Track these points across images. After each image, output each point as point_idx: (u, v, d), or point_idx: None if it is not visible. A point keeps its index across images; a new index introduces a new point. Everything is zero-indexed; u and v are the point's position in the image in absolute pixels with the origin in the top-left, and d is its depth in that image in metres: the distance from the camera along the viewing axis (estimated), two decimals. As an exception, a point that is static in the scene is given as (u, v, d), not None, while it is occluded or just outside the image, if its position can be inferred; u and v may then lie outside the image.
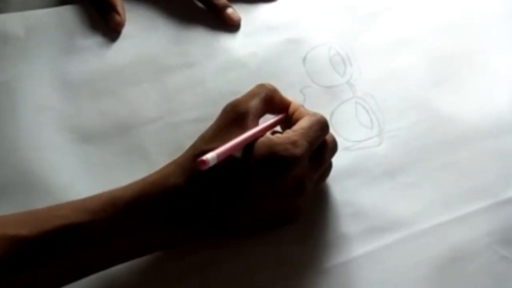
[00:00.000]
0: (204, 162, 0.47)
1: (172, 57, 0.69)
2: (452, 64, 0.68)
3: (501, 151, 0.62)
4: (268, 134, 0.55)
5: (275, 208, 0.54)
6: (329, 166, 0.58)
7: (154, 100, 0.66)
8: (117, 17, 0.71)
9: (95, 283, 0.54)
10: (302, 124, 0.54)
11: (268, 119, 0.57)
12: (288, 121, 0.57)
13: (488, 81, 0.67)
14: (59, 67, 0.68)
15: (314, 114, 0.56)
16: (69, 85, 0.67)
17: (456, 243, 0.57)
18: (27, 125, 0.64)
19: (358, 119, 0.65)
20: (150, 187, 0.52)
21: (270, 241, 0.56)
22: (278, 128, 0.58)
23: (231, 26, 0.71)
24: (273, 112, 0.58)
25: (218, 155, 0.49)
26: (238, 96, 0.56)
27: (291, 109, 0.58)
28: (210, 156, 0.48)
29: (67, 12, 0.72)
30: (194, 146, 0.54)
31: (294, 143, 0.52)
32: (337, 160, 0.58)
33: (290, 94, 0.58)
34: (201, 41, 0.70)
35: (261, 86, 0.57)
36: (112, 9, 0.71)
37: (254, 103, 0.55)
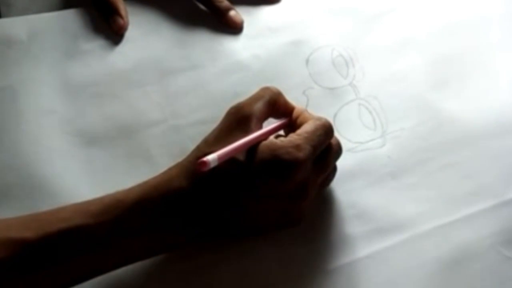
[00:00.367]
0: (204, 163, 0.47)
1: (175, 60, 0.69)
2: (455, 65, 0.68)
3: (504, 151, 0.62)
4: (271, 137, 0.55)
5: (277, 212, 0.54)
6: (333, 170, 0.58)
7: (157, 103, 0.66)
8: (120, 21, 0.71)
9: (98, 285, 0.54)
10: (306, 128, 0.54)
11: (271, 123, 0.57)
12: (292, 125, 0.57)
13: (490, 82, 0.67)
14: (63, 71, 0.68)
15: (319, 118, 0.55)
16: (72, 89, 0.67)
17: (459, 244, 0.57)
18: (30, 129, 0.64)
19: (361, 121, 0.65)
20: (154, 190, 0.52)
21: (274, 243, 0.56)
22: (282, 132, 0.58)
23: (234, 28, 0.71)
24: (277, 116, 0.58)
25: (219, 157, 0.48)
26: (241, 98, 0.56)
27: (295, 113, 0.58)
28: (210, 157, 0.48)
29: (70, 16, 0.73)
30: (197, 148, 0.54)
31: (297, 146, 0.52)
32: (341, 162, 0.58)
33: (293, 96, 0.58)
34: (204, 44, 0.71)
35: (265, 89, 0.57)
36: (115, 12, 0.71)
37: (258, 106, 0.55)
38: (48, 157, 0.62)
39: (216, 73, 0.68)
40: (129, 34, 0.71)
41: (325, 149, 0.55)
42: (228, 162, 0.50)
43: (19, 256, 0.49)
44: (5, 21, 0.72)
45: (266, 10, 0.73)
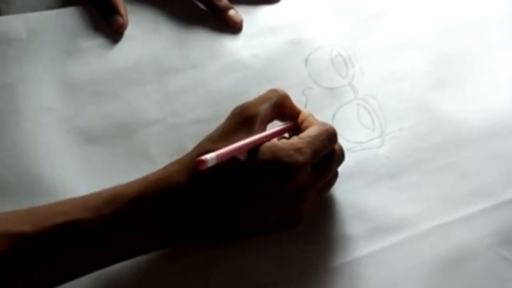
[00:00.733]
0: (202, 161, 0.47)
1: (174, 59, 0.69)
2: (454, 66, 0.68)
3: (502, 152, 0.62)
4: (275, 139, 0.55)
5: (274, 213, 0.54)
6: (334, 176, 0.58)
7: (156, 102, 0.66)
8: (120, 19, 0.71)
9: (96, 281, 0.54)
10: (309, 132, 0.54)
11: (276, 125, 0.57)
12: (296, 129, 0.57)
13: (489, 83, 0.67)
14: (62, 69, 0.68)
15: (324, 124, 0.55)
16: (71, 87, 0.67)
17: (458, 244, 0.57)
18: (29, 127, 0.64)
19: (360, 121, 0.65)
20: (153, 185, 0.52)
21: (273, 242, 0.56)
22: (286, 135, 0.58)
23: (233, 27, 0.72)
24: (283, 118, 0.58)
25: (218, 156, 0.49)
26: (240, 97, 0.56)
27: (300, 117, 0.57)
28: (209, 156, 0.48)
29: (69, 14, 0.72)
30: (199, 145, 0.54)
31: (298, 150, 0.52)
32: (339, 161, 0.58)
33: (292, 95, 0.58)
34: (203, 43, 0.71)
35: (273, 91, 0.57)
36: (115, 10, 0.71)
37: (264, 107, 0.55)
38: (47, 155, 0.62)
39: (215, 72, 0.68)
40: (128, 32, 0.71)
41: (327, 154, 0.55)
42: (229, 161, 0.50)
43: (16, 250, 0.49)
44: (4, 18, 0.72)
45: (265, 10, 0.73)
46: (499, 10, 0.72)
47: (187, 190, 0.51)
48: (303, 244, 0.57)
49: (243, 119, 0.54)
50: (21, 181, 0.61)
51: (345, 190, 0.59)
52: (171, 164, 0.54)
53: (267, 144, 0.53)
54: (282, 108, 0.57)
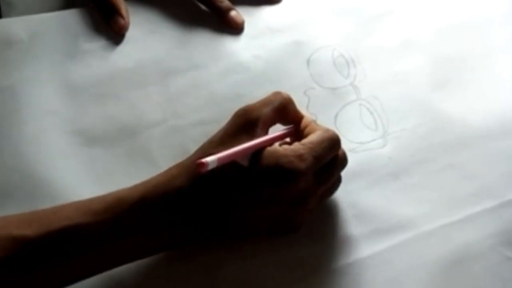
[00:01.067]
0: (203, 164, 0.47)
1: (176, 60, 0.69)
2: (456, 66, 0.68)
3: (504, 152, 0.62)
4: (276, 144, 0.55)
5: (274, 218, 0.54)
6: (337, 181, 0.57)
7: (158, 103, 0.66)
8: (121, 21, 0.71)
9: (98, 284, 0.54)
10: (312, 138, 0.54)
11: (278, 129, 0.57)
12: (299, 134, 0.57)
13: (491, 83, 0.67)
14: (63, 71, 0.68)
15: (327, 130, 0.55)
16: (73, 89, 0.67)
17: (460, 244, 0.57)
18: (31, 129, 0.64)
19: (362, 121, 0.65)
20: (155, 189, 0.52)
21: (275, 244, 0.56)
22: (288, 140, 0.58)
23: (235, 28, 0.71)
24: (285, 123, 0.58)
25: (219, 160, 0.48)
26: (242, 98, 0.56)
27: (303, 123, 0.57)
28: (210, 159, 0.48)
29: (71, 16, 0.72)
30: (201, 148, 0.54)
31: (300, 156, 0.52)
32: (342, 162, 0.58)
33: (294, 96, 0.58)
34: (204, 44, 0.71)
35: (276, 94, 0.57)
36: (116, 12, 0.71)
37: (266, 111, 0.55)
38: (49, 157, 0.62)
39: (217, 74, 0.68)
40: (130, 34, 0.71)
41: (330, 160, 0.54)
42: (229, 165, 0.50)
43: (19, 253, 0.49)
44: (6, 21, 0.72)
45: (267, 10, 0.73)
46: (501, 11, 0.72)
47: (188, 194, 0.51)
48: (305, 245, 0.57)
49: (245, 122, 0.54)
50: (23, 183, 0.61)
51: (348, 190, 0.59)
52: (172, 168, 0.54)
53: (269, 149, 0.53)
54: (285, 112, 0.57)
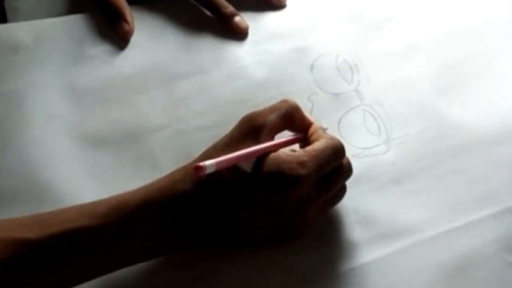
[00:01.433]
0: (200, 168, 0.47)
1: (180, 65, 0.69)
2: (459, 71, 0.68)
3: (508, 157, 0.62)
4: (281, 150, 0.54)
5: (275, 224, 0.54)
6: (342, 189, 0.57)
7: (162, 108, 0.66)
8: (126, 26, 0.71)
9: (99, 287, 0.54)
10: (315, 146, 0.54)
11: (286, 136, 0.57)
12: (306, 141, 0.57)
13: (494, 88, 0.67)
14: (68, 76, 0.68)
15: (332, 138, 0.55)
16: (78, 93, 0.67)
17: (463, 250, 0.57)
18: (36, 133, 0.64)
19: (365, 126, 0.65)
20: (158, 192, 0.52)
21: (278, 249, 0.56)
22: (296, 147, 0.58)
23: (239, 34, 0.72)
24: (293, 130, 0.58)
25: (217, 164, 0.48)
26: (245, 104, 0.56)
27: (310, 130, 0.57)
28: (207, 163, 0.47)
29: (76, 21, 0.73)
30: (205, 153, 0.54)
31: (302, 163, 0.52)
32: (345, 167, 0.58)
33: (298, 101, 0.58)
34: (209, 49, 0.71)
35: (283, 101, 0.57)
36: (121, 17, 0.71)
37: (272, 117, 0.55)
38: (53, 161, 0.62)
39: (221, 79, 0.68)
40: (134, 39, 0.71)
41: (334, 168, 0.54)
42: (232, 170, 0.50)
43: (22, 256, 0.49)
44: (11, 26, 0.72)
45: (271, 16, 0.74)
46: (503, 16, 0.72)
47: (191, 198, 0.52)
48: (308, 250, 0.57)
49: (250, 128, 0.54)
50: (27, 187, 0.61)
51: (351, 196, 0.59)
52: (175, 172, 0.54)
53: (272, 155, 0.53)
54: (292, 119, 0.57)
